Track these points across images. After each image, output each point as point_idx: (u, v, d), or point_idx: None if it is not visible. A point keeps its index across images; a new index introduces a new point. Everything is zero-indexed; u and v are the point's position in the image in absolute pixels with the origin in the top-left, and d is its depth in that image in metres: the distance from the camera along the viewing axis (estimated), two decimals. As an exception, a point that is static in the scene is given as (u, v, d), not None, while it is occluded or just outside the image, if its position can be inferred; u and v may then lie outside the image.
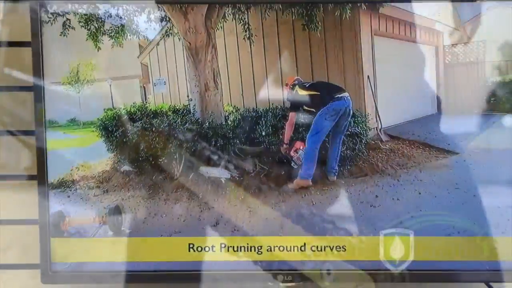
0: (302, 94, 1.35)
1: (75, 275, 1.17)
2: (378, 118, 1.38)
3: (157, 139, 1.34)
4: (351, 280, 1.25)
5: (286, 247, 1.27)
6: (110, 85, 1.34)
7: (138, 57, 1.37)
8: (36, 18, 1.22)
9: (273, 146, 1.36)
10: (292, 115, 1.34)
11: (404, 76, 1.39)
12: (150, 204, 1.32)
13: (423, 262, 1.27)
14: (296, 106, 1.35)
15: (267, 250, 1.27)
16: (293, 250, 1.27)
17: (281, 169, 1.36)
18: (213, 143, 1.35)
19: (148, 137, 1.35)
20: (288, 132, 1.35)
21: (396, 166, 1.37)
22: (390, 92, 1.39)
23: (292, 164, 1.36)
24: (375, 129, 1.38)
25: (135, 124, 1.35)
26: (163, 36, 1.34)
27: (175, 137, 1.34)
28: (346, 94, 1.34)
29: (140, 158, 1.35)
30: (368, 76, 1.37)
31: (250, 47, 1.36)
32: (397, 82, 1.39)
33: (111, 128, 1.34)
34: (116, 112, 1.35)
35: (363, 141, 1.37)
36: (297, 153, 1.36)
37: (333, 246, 1.26)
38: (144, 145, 1.35)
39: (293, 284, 1.20)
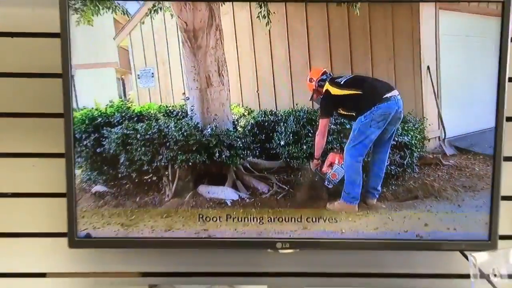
0: (337, 93, 1.02)
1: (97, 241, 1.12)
2: (441, 124, 1.05)
3: (142, 149, 1.03)
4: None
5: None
6: (73, 76, 1.00)
7: (114, 38, 1.02)
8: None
9: (294, 160, 1.04)
10: (323, 122, 1.03)
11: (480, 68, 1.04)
12: (132, 234, 1.04)
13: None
14: (328, 110, 1.03)
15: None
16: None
17: (307, 190, 1.06)
18: (217, 154, 1.04)
19: (131, 147, 1.04)
20: (319, 144, 1.04)
21: (461, 188, 1.05)
22: (461, 89, 1.04)
23: (326, 183, 1.07)
24: (437, 138, 1.05)
25: (113, 130, 1.03)
26: (150, 11, 1.00)
27: (167, 147, 1.03)
28: (396, 92, 1.03)
29: (119, 175, 1.04)
30: (428, 67, 1.03)
31: (268, 29, 1.01)
32: (471, 77, 1.04)
33: (79, 136, 1.02)
34: (86, 113, 1.02)
35: (415, 154, 1.06)
36: (331, 168, 1.06)
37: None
38: (125, 158, 1.04)
39: (290, 250, 1.10)
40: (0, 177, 1.25)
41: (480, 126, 1.04)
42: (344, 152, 1.05)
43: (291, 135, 1.06)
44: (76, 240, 1.08)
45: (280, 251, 1.08)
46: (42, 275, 1.29)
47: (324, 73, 1.03)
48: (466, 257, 1.08)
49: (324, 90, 1.03)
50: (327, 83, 1.02)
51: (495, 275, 1.06)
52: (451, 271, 1.20)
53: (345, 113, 1.04)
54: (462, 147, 1.08)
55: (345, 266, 1.26)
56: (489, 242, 1.07)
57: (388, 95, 1.03)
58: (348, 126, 1.05)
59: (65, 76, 1.02)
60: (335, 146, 1.07)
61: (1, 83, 1.22)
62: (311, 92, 1.03)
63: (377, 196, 1.06)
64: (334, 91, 1.03)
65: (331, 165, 1.07)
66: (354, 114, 1.03)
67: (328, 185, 1.07)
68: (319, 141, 1.04)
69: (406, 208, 1.08)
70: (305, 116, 1.05)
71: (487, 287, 1.02)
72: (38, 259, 1.27)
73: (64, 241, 1.16)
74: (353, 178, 1.05)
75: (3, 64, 1.20)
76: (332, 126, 1.05)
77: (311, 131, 1.05)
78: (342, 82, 1.03)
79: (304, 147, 1.06)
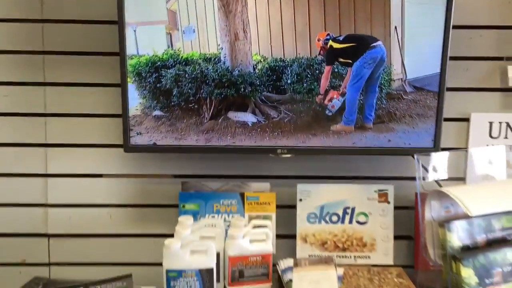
0: (338, 47, 1.40)
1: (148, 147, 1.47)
2: (403, 69, 1.43)
3: (189, 85, 1.42)
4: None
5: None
6: (135, 31, 1.36)
7: (166, 3, 1.38)
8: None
9: (297, 94, 1.44)
10: (328, 68, 1.42)
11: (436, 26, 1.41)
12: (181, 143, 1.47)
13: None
14: (331, 59, 1.41)
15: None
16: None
17: (309, 116, 1.46)
18: (242, 89, 1.43)
19: (181, 83, 1.42)
20: (323, 84, 1.43)
21: (415, 115, 1.46)
22: (418, 43, 1.43)
23: (327, 112, 1.46)
24: (400, 80, 1.44)
25: (168, 71, 1.41)
26: (194, -15, 1.35)
27: (206, 83, 1.42)
28: (380, 42, 1.42)
29: (172, 104, 1.43)
30: (396, 27, 1.40)
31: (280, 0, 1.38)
32: (426, 33, 1.42)
33: (144, 74, 1.40)
34: (148, 59, 1.39)
35: (384, 91, 1.45)
36: (331, 101, 1.45)
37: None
38: (176, 91, 1.42)
39: (288, 155, 1.47)
40: (71, 102, 1.56)
41: (433, 71, 1.43)
42: (347, 88, 1.44)
43: (295, 76, 1.43)
44: (130, 146, 1.46)
45: (282, 156, 1.47)
46: (99, 175, 1.61)
47: (328, 34, 1.41)
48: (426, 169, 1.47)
49: (328, 46, 1.40)
50: (330, 41, 1.40)
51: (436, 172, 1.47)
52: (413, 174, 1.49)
53: (344, 61, 1.42)
54: (418, 86, 1.45)
55: (329, 170, 1.60)
56: (434, 148, 1.49)
57: (374, 44, 1.41)
58: (342, 72, 1.43)
59: (120, 28, 1.37)
60: (334, 85, 1.45)
61: (70, 28, 1.53)
62: (318, 49, 1.41)
63: (372, 120, 1.47)
64: (336, 45, 1.41)
65: (331, 99, 1.46)
66: (351, 61, 1.42)
67: (328, 113, 1.46)
68: (324, 82, 1.43)
69: (376, 129, 1.49)
70: (305, 62, 1.42)
71: (432, 184, 1.43)
72: (97, 164, 1.59)
73: (115, 150, 1.56)
74: (352, 107, 1.45)
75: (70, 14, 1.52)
76: (335, 71, 1.43)
77: (310, 73, 1.43)
78: (341, 39, 1.41)
79: (305, 84, 1.44)
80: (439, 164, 1.47)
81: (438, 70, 1.42)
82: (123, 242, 1.63)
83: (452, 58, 1.46)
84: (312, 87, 1.43)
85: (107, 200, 1.61)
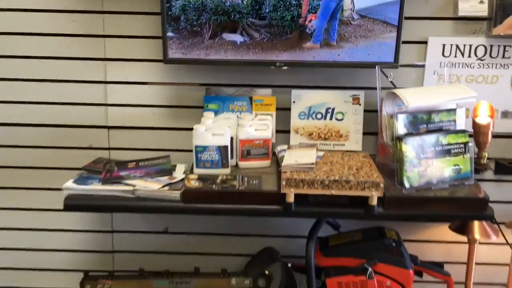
0: None
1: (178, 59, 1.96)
2: (352, 2, 1.88)
3: (193, 13, 1.89)
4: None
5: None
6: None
7: None
8: None
9: (274, 20, 1.90)
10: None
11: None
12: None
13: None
14: None
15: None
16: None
17: (283, 36, 1.93)
18: (232, 16, 1.91)
19: (187, 11, 1.89)
20: (304, 8, 1.87)
21: (360, 37, 1.93)
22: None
23: (306, 30, 1.93)
24: (350, 10, 1.89)
25: (177, 2, 1.88)
26: None
27: (206, 11, 1.89)
28: None
29: (180, 27, 1.92)
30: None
31: None
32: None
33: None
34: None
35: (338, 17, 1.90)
36: (310, 22, 1.92)
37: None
38: (184, 17, 1.90)
39: (285, 68, 1.94)
40: (123, 26, 2.02)
41: (378, 2, 1.88)
42: (317, 15, 1.90)
43: (271, 6, 1.88)
44: (167, 59, 1.96)
45: (282, 68, 1.95)
46: (145, 83, 2.08)
47: None
48: (386, 76, 1.96)
49: None
50: None
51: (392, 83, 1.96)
52: (383, 85, 1.89)
53: None
54: (364, 14, 1.89)
55: (316, 81, 2.04)
56: (394, 62, 1.95)
57: None
58: (319, 3, 1.88)
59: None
60: (312, 11, 1.89)
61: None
62: None
63: (335, 40, 1.94)
64: None
65: (310, 20, 1.92)
66: None
67: (308, 32, 1.93)
68: (304, 8, 1.88)
69: (335, 46, 1.94)
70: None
71: (396, 94, 1.91)
72: (143, 74, 2.05)
73: (154, 64, 2.04)
74: (320, 30, 1.92)
75: None
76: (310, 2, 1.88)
77: (283, 4, 1.87)
78: None
79: (278, 13, 1.89)
80: (400, 76, 1.97)
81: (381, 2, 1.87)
82: (162, 133, 2.15)
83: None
84: (284, 15, 1.88)
85: (151, 102, 2.12)
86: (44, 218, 2.25)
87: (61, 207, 1.74)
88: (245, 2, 1.88)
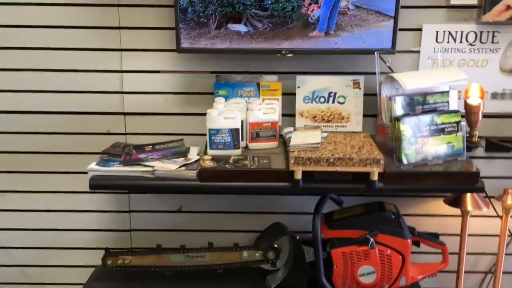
0: None
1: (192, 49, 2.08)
2: None
3: (199, 4, 2.02)
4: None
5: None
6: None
7: None
8: None
9: (276, 11, 2.03)
10: None
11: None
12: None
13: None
14: None
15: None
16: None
17: (284, 26, 2.06)
18: (237, 8, 2.04)
19: (194, 3, 2.02)
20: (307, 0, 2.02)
21: (355, 26, 2.07)
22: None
23: (309, 20, 2.07)
24: (345, 0, 2.03)
25: None
26: None
27: (212, 3, 2.02)
28: None
29: (187, 18, 2.04)
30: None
31: None
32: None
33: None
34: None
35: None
36: (312, 12, 2.06)
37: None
38: (191, 9, 2.02)
39: (291, 55, 2.06)
40: (138, 19, 2.15)
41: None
42: (320, 5, 2.04)
43: None
44: (180, 48, 2.10)
45: (287, 55, 2.09)
46: (158, 71, 2.19)
47: None
48: (384, 61, 2.11)
49: None
50: None
51: (390, 67, 2.11)
52: (381, 70, 1.99)
53: None
54: (359, 5, 2.03)
55: (319, 67, 2.16)
56: (392, 49, 2.10)
57: None
58: (321, -7, 2.02)
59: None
60: (313, 1, 2.02)
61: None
62: None
63: (333, 29, 2.09)
64: None
65: (313, 10, 2.07)
66: None
67: (311, 21, 2.08)
68: None
69: (332, 35, 2.08)
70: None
71: (394, 78, 2.05)
72: (156, 63, 2.17)
73: (167, 54, 2.15)
74: (324, 19, 2.06)
75: None
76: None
77: None
78: None
79: (280, 4, 2.02)
80: (397, 61, 2.11)
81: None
82: (175, 119, 2.29)
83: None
84: (285, 6, 2.01)
85: (164, 89, 2.24)
86: (66, 200, 2.40)
87: (82, 189, 1.88)
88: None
